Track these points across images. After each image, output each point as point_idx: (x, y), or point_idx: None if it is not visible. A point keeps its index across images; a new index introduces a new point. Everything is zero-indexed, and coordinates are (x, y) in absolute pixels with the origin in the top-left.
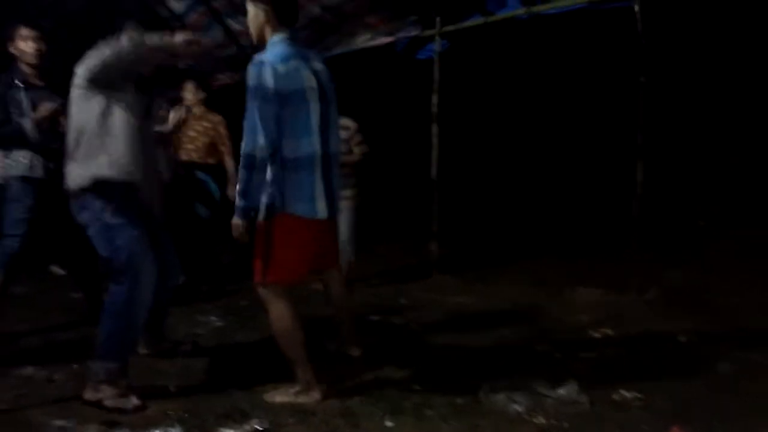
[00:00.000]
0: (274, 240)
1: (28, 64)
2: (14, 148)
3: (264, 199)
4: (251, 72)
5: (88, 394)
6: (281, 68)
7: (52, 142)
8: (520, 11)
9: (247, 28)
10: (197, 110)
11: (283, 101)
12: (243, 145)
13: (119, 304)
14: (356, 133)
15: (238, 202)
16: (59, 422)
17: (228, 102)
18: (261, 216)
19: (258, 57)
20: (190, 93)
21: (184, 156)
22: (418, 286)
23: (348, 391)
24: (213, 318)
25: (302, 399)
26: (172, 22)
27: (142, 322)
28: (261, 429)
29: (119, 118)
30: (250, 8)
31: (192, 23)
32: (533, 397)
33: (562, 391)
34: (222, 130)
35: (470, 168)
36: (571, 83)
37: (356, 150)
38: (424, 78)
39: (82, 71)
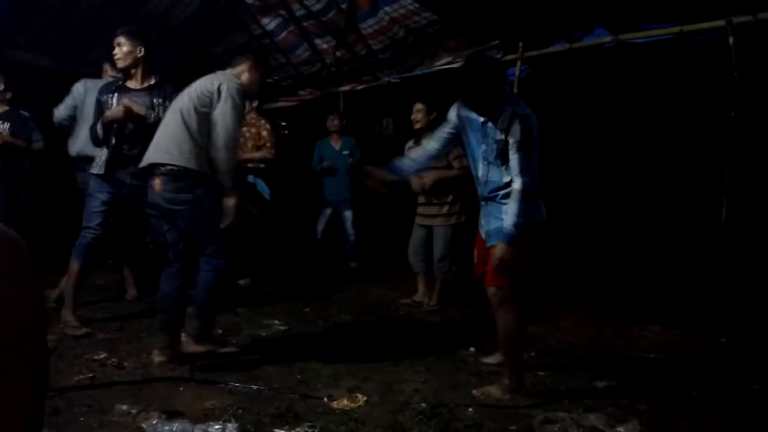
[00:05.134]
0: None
1: (119, 69)
2: (99, 146)
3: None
4: (529, 124)
5: (192, 348)
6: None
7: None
8: (607, 39)
9: (332, 47)
10: (249, 118)
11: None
12: (523, 181)
13: (223, 273)
14: (455, 148)
15: (518, 223)
16: (124, 407)
17: (310, 115)
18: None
19: (528, 111)
20: None
21: None
22: (482, 309)
23: (400, 404)
24: (276, 322)
25: (509, 396)
26: (263, 38)
27: None
28: None
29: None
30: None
31: (281, 41)
32: None
33: (621, 429)
34: (264, 132)
35: (545, 193)
36: (656, 114)
37: (455, 164)
38: None
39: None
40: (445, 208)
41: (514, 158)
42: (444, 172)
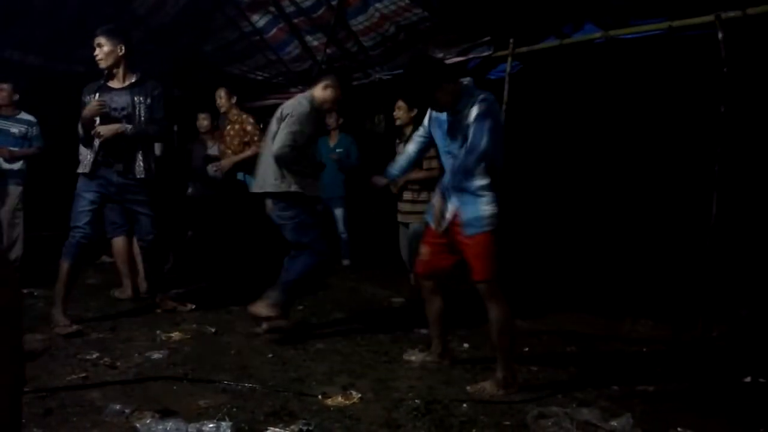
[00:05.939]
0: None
1: (102, 69)
2: (85, 146)
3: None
4: (494, 106)
5: (260, 309)
6: None
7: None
8: (597, 35)
9: (322, 44)
10: (231, 115)
11: None
12: (476, 164)
13: (317, 265)
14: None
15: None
16: (117, 406)
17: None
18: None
19: (485, 95)
20: (221, 99)
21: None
22: (472, 306)
23: (395, 401)
24: None
25: (503, 391)
26: (253, 36)
27: None
28: (306, 431)
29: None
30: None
31: (271, 38)
32: (584, 427)
33: (615, 423)
34: (248, 127)
35: (535, 189)
36: (646, 110)
37: (424, 165)
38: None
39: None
40: (418, 206)
41: (471, 134)
42: (414, 173)
